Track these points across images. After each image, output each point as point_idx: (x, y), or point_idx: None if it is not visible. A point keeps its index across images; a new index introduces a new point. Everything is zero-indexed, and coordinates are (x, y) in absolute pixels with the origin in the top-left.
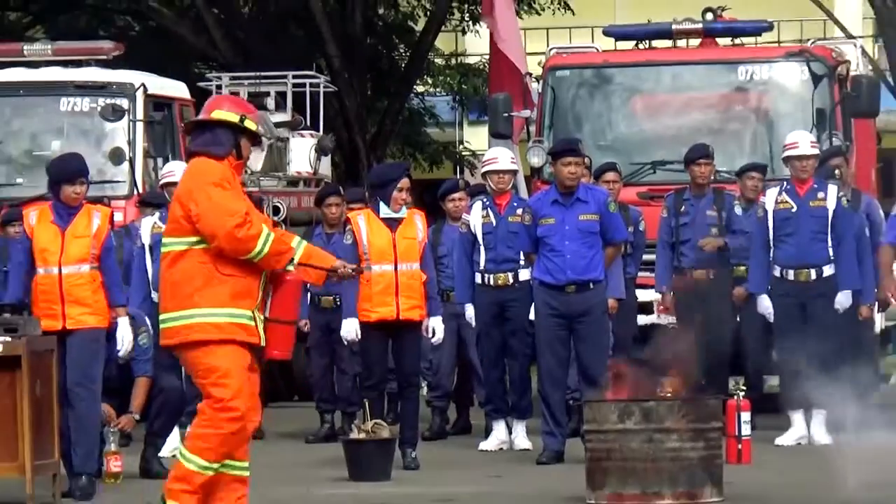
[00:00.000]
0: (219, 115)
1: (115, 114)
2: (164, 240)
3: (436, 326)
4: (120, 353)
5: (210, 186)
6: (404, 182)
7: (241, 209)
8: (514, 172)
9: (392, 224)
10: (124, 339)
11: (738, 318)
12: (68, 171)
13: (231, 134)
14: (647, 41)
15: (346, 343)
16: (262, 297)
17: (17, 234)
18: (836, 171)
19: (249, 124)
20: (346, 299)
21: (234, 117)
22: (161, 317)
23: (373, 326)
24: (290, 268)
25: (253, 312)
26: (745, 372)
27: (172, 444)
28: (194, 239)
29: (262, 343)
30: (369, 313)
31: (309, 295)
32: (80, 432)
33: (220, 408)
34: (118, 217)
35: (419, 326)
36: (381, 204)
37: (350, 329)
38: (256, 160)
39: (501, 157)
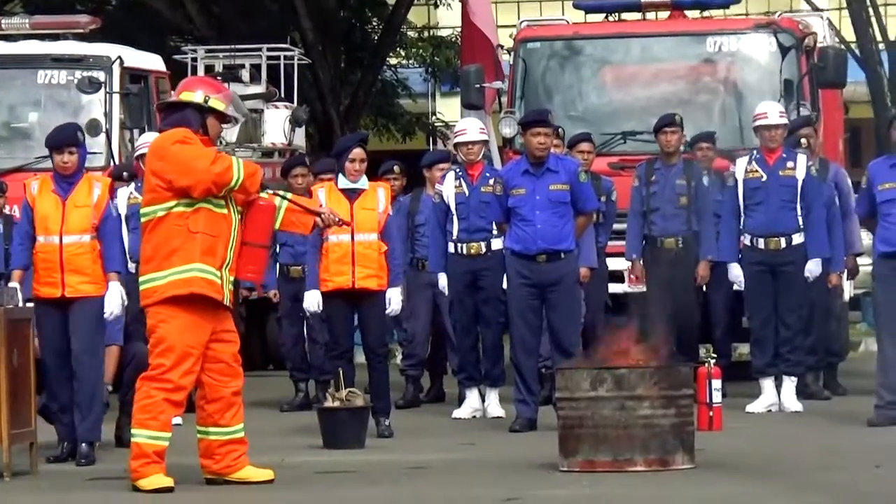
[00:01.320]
0: (185, 96)
1: (92, 86)
2: (144, 210)
3: (392, 297)
4: (106, 317)
5: (174, 146)
6: (356, 153)
7: (208, 153)
8: (484, 143)
9: (351, 195)
10: (111, 303)
11: (703, 287)
12: (57, 139)
13: (198, 114)
14: (617, 14)
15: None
16: (231, 259)
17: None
18: (803, 141)
19: (215, 104)
20: (310, 271)
21: (198, 98)
22: (141, 279)
23: (332, 295)
24: (264, 194)
25: (221, 272)
26: (714, 340)
27: None
28: (172, 203)
29: (227, 302)
30: (326, 282)
31: (278, 265)
32: (85, 400)
33: (154, 375)
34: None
35: (379, 296)
36: (340, 175)
37: (311, 301)
38: (231, 132)
39: (470, 128)
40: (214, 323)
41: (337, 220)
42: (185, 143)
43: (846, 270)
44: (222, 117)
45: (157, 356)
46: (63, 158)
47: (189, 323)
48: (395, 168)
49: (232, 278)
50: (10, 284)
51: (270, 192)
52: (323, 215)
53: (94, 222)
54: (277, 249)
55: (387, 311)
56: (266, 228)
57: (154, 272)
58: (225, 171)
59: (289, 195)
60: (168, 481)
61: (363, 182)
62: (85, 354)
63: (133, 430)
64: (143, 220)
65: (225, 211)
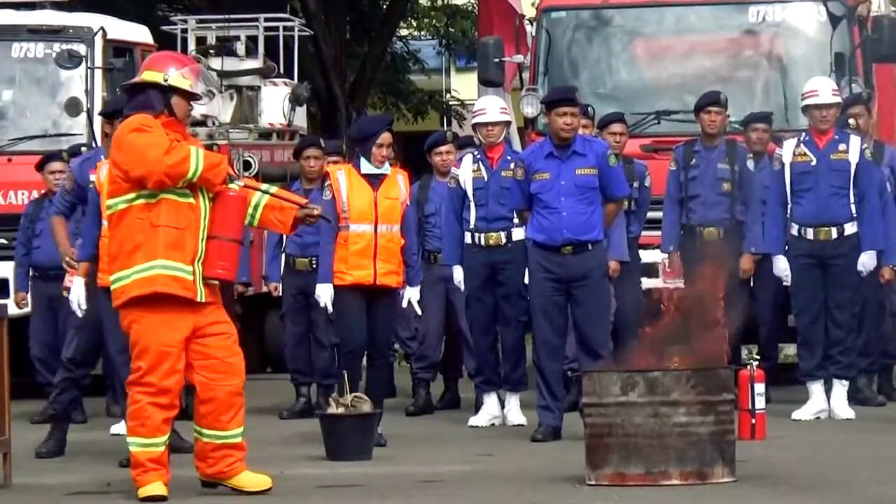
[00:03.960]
0: (146, 76)
1: (72, 60)
2: (108, 202)
3: (412, 297)
4: None
5: (130, 134)
6: (385, 137)
7: (163, 142)
8: (506, 124)
9: (374, 181)
10: None
11: (750, 282)
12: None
13: (160, 94)
14: None
15: (320, 308)
16: (201, 254)
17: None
18: (852, 121)
19: (177, 81)
20: (322, 262)
21: (157, 77)
22: (110, 278)
23: (349, 289)
24: (234, 185)
25: (194, 266)
26: (758, 340)
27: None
28: (133, 195)
29: (200, 299)
30: (344, 275)
31: (283, 256)
32: None
33: (135, 379)
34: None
35: (395, 294)
36: (363, 160)
37: (323, 294)
38: (225, 111)
39: (490, 108)
40: (195, 317)
41: (326, 219)
42: (141, 130)
43: None
44: (189, 95)
45: (135, 359)
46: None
47: (161, 321)
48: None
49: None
50: (75, 278)
51: (241, 185)
52: (307, 212)
53: None
54: (284, 239)
55: (414, 314)
56: (235, 221)
57: (120, 270)
58: (180, 163)
59: (272, 188)
60: (161, 490)
61: (386, 167)
62: None
63: (127, 439)
64: (107, 213)
65: (192, 200)
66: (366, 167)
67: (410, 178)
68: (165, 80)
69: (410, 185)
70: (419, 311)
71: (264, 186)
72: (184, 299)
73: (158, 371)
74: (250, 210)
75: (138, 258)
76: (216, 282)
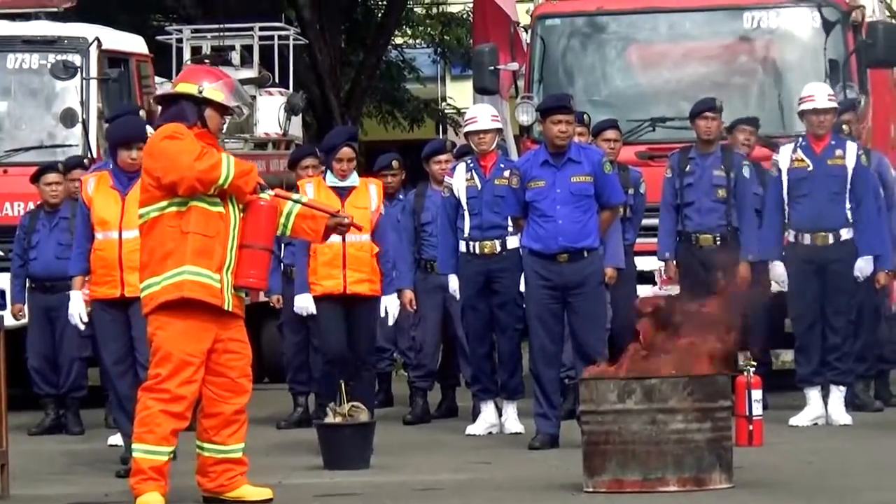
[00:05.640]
0: (181, 87)
1: (67, 71)
2: (140, 210)
3: (388, 304)
4: None
5: (162, 142)
6: (344, 152)
7: (195, 148)
8: (498, 131)
9: (341, 192)
10: None
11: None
12: (125, 135)
13: (194, 106)
14: None
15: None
16: (231, 262)
17: (54, 193)
18: (845, 127)
19: (211, 94)
20: (299, 274)
21: (192, 89)
22: (140, 286)
23: (323, 299)
24: (265, 195)
25: (222, 275)
26: (750, 346)
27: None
28: (165, 203)
29: (228, 308)
30: (315, 286)
31: (282, 266)
32: None
33: (150, 385)
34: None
35: (372, 302)
36: (328, 172)
37: (302, 305)
38: None
39: (481, 116)
40: (219, 329)
41: (354, 226)
42: (174, 137)
43: None
44: (223, 109)
45: (155, 366)
46: (132, 155)
47: (186, 329)
48: (394, 163)
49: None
50: (72, 293)
51: (272, 193)
52: (338, 220)
53: None
54: (282, 249)
55: (390, 322)
56: (267, 230)
57: (150, 277)
58: (211, 168)
59: (304, 198)
60: (158, 501)
61: (353, 179)
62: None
63: (133, 445)
64: (139, 222)
65: (221, 209)
66: (331, 179)
67: (406, 185)
68: (200, 92)
69: (393, 196)
70: (391, 321)
71: (295, 196)
72: (210, 309)
73: (176, 378)
74: (282, 219)
75: (169, 265)
76: (243, 294)
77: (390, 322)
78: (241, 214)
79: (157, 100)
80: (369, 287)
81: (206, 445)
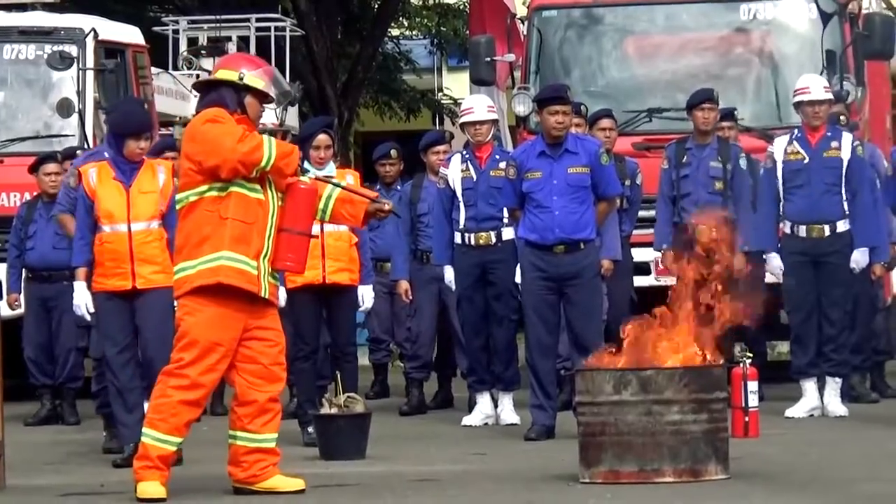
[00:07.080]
0: (221, 73)
1: (64, 62)
2: (178, 196)
3: (365, 294)
4: None
5: (204, 126)
6: (321, 139)
7: (236, 131)
8: (493, 122)
9: None
10: None
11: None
12: (133, 124)
13: (234, 92)
14: None
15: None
16: (269, 249)
17: (52, 184)
18: (842, 118)
19: (251, 81)
20: None
21: (232, 75)
22: (174, 268)
23: (301, 291)
24: (306, 178)
25: (259, 262)
26: (746, 337)
27: None
28: (204, 188)
29: (264, 295)
30: (295, 277)
31: None
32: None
33: (171, 370)
34: None
35: (350, 292)
36: (306, 162)
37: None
38: None
39: (477, 107)
40: (250, 318)
41: (394, 212)
42: (215, 121)
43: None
44: (263, 96)
45: (179, 350)
46: (140, 145)
47: (217, 316)
48: (392, 152)
49: (272, 270)
50: (77, 284)
51: (313, 176)
52: (378, 206)
53: (162, 209)
54: None
55: (360, 309)
56: (307, 214)
57: (184, 261)
58: (253, 150)
59: (343, 182)
60: (160, 492)
61: (330, 169)
62: (157, 349)
63: (143, 429)
64: (177, 206)
65: (261, 196)
66: (309, 169)
67: (403, 176)
68: (241, 79)
69: (391, 186)
70: (369, 306)
71: (335, 180)
72: (244, 297)
73: (199, 365)
74: (321, 203)
75: (205, 249)
76: (276, 279)
77: (365, 309)
78: (280, 203)
79: (196, 86)
80: (349, 276)
81: (239, 434)
